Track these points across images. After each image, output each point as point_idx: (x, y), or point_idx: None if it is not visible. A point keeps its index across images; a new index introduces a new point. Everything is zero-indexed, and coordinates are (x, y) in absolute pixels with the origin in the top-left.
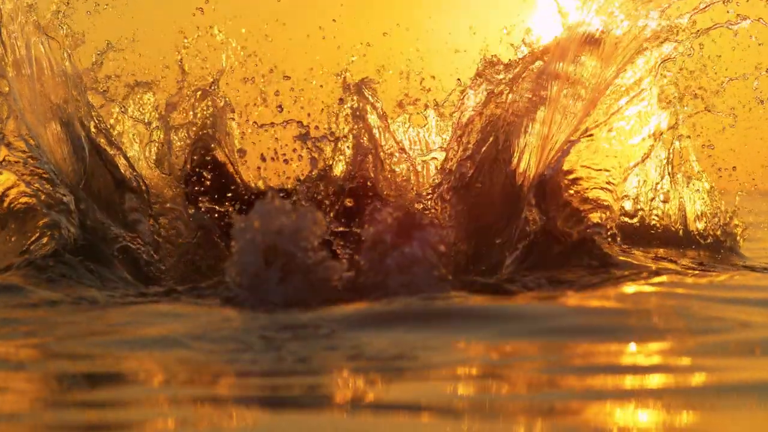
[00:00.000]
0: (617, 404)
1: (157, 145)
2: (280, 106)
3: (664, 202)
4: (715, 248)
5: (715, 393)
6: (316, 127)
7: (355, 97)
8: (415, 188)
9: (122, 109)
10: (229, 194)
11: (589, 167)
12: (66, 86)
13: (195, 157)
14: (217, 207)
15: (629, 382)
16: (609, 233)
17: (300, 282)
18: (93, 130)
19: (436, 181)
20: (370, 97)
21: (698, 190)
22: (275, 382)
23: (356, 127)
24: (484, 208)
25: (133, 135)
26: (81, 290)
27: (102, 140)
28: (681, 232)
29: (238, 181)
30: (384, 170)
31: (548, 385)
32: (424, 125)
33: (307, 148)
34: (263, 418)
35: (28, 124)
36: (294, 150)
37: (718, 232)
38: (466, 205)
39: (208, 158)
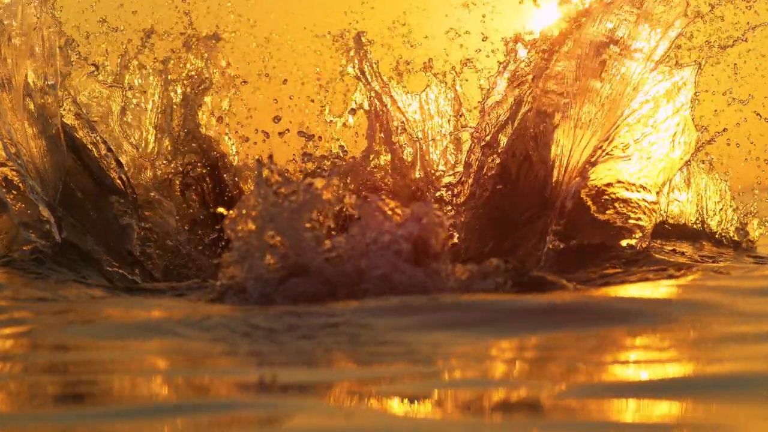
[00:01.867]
0: (639, 397)
1: (153, 111)
2: (277, 117)
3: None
4: (732, 245)
5: (740, 385)
6: (320, 137)
7: (354, 54)
8: (421, 170)
9: (92, 72)
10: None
11: (623, 183)
12: (49, 67)
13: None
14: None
15: (652, 374)
16: (638, 250)
17: (304, 274)
18: (72, 121)
19: (454, 172)
20: (370, 59)
21: (717, 179)
22: (274, 373)
23: (365, 90)
24: (506, 204)
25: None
26: (66, 287)
27: (83, 135)
28: (698, 227)
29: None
30: (393, 146)
31: (579, 377)
32: (424, 90)
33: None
34: (261, 409)
35: (8, 125)
36: (294, 160)
37: (732, 231)
38: (486, 200)
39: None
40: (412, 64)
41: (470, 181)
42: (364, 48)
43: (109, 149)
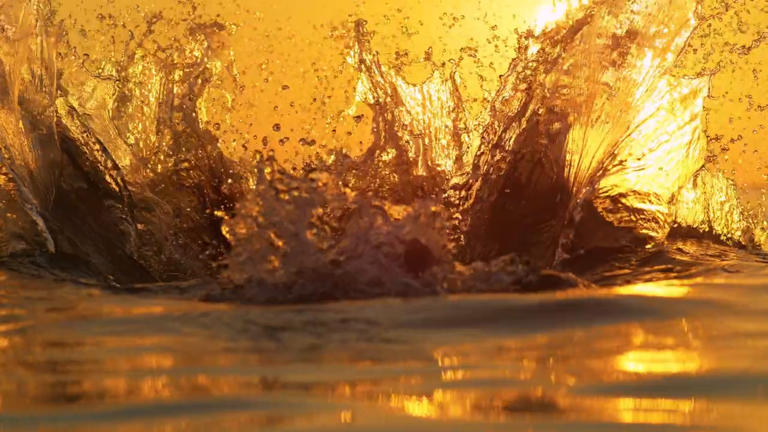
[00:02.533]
0: (648, 396)
1: (154, 103)
2: (276, 125)
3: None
4: (737, 245)
5: (749, 383)
6: (323, 145)
7: (354, 43)
8: (423, 166)
9: (82, 64)
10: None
11: (637, 193)
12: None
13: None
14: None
15: (661, 372)
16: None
17: (309, 275)
18: (66, 120)
19: (462, 172)
20: (369, 48)
21: (723, 179)
22: (276, 370)
23: (369, 81)
24: (514, 206)
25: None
26: (63, 285)
27: (78, 135)
28: (704, 227)
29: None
30: (398, 141)
31: (587, 376)
32: (425, 82)
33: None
34: (262, 408)
35: (2, 129)
36: (294, 168)
37: (738, 234)
38: (493, 202)
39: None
40: (411, 55)
41: (478, 183)
42: (365, 37)
43: (104, 149)
